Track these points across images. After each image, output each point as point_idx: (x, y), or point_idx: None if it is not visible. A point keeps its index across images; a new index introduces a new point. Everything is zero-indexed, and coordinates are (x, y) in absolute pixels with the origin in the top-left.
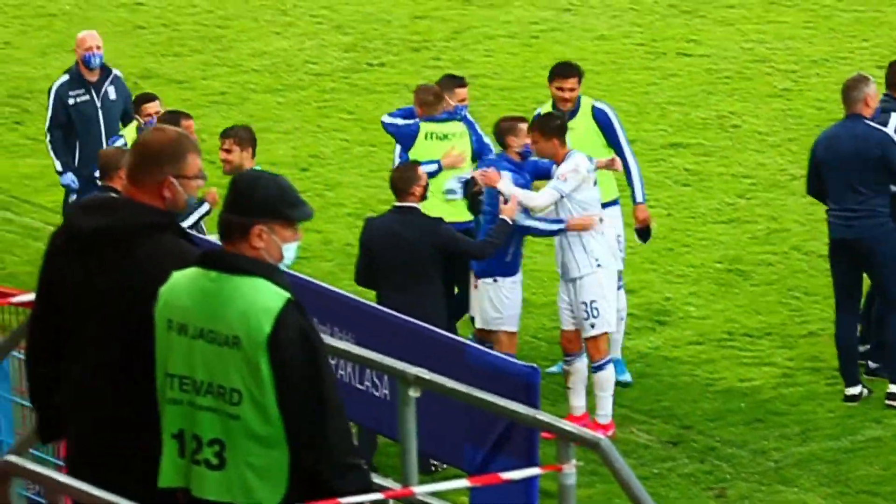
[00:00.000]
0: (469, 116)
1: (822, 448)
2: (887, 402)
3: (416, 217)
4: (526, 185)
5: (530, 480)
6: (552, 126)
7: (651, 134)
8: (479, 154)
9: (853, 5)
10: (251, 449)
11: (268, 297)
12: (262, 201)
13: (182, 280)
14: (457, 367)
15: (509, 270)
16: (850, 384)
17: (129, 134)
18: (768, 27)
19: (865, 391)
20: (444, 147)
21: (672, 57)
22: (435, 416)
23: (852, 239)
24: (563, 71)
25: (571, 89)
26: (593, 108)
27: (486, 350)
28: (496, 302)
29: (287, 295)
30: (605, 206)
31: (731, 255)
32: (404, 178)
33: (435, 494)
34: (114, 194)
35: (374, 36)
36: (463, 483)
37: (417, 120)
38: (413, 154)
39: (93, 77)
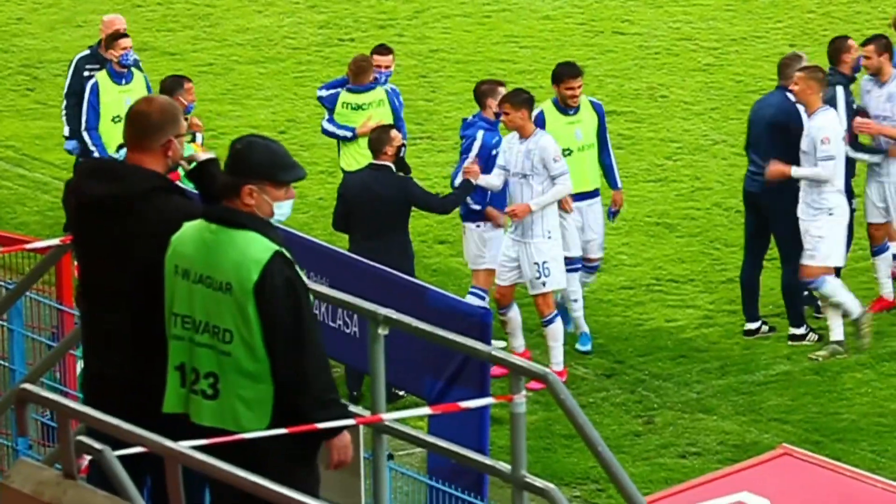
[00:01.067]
0: (394, 87)
1: (738, 381)
2: (789, 342)
3: (388, 174)
4: (499, 142)
5: (483, 409)
6: (521, 98)
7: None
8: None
9: None
10: (241, 382)
11: (258, 249)
12: (254, 164)
13: (188, 230)
14: (419, 307)
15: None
16: (749, 320)
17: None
18: (693, 9)
19: (765, 327)
20: (359, 116)
21: (608, 35)
22: (399, 351)
23: (757, 193)
24: (572, 72)
25: (580, 87)
26: (591, 101)
27: (444, 292)
28: (479, 243)
29: (275, 247)
30: (586, 196)
31: (659, 210)
32: (379, 139)
33: (400, 420)
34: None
35: (345, 14)
36: (425, 410)
37: (339, 90)
38: (337, 120)
39: (117, 66)
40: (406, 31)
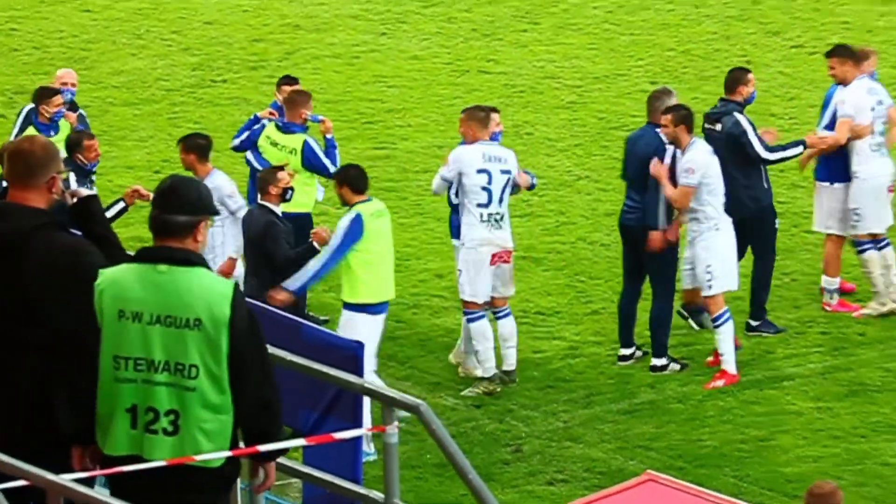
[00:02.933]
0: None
1: (604, 410)
2: (651, 372)
3: (262, 214)
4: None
5: (356, 439)
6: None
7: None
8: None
9: (630, 29)
10: (203, 416)
11: (220, 284)
12: (206, 201)
13: (126, 274)
14: (294, 342)
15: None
16: (623, 346)
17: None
18: (557, 48)
19: (639, 353)
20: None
21: (474, 74)
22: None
23: (632, 226)
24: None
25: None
26: None
27: (319, 328)
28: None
29: (233, 282)
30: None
31: (525, 244)
32: (265, 179)
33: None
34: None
35: (218, 56)
36: (300, 442)
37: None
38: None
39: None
40: (277, 73)
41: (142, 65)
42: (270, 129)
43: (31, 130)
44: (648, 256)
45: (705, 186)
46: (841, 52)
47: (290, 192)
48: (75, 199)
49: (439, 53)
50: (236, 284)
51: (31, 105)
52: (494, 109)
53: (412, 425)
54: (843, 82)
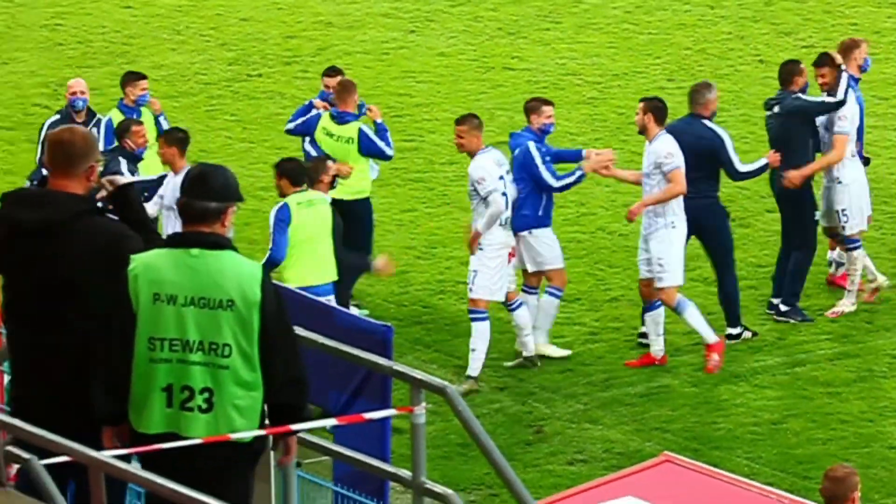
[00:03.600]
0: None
1: (622, 393)
2: (725, 340)
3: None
4: (548, 153)
5: (385, 419)
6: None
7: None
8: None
9: (648, 29)
10: (237, 393)
11: (250, 267)
12: (234, 187)
13: (159, 259)
14: (326, 326)
15: (541, 223)
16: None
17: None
18: (578, 46)
19: (747, 333)
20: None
21: (499, 71)
22: (308, 366)
23: (691, 211)
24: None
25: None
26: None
27: (349, 312)
28: (538, 248)
29: (260, 263)
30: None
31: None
32: (315, 169)
33: (308, 431)
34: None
35: (253, 52)
36: (331, 421)
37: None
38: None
39: (79, 119)
40: (310, 68)
41: (181, 59)
42: (326, 121)
43: (115, 113)
44: (704, 238)
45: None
46: (829, 62)
47: (336, 178)
48: (112, 187)
49: (465, 50)
50: (264, 266)
51: (52, 119)
52: (546, 102)
53: (439, 406)
54: (832, 89)
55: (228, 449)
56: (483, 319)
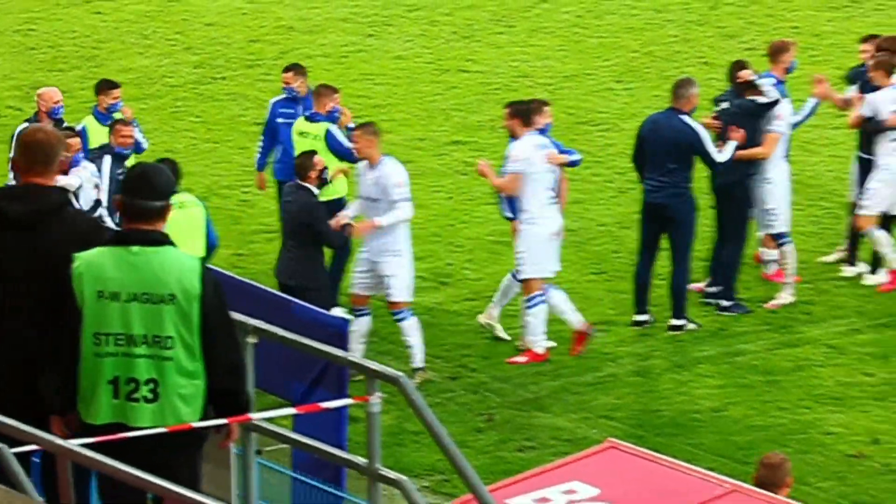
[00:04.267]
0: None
1: (569, 382)
2: (669, 331)
3: (305, 194)
4: (557, 147)
5: (342, 409)
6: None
7: (437, 133)
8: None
9: (597, 32)
10: (180, 382)
11: (189, 261)
12: (173, 185)
13: (103, 258)
14: (286, 319)
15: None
16: (638, 313)
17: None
18: (530, 49)
19: (651, 318)
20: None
21: (454, 73)
22: (267, 358)
23: (658, 203)
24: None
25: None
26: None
27: (308, 305)
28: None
29: (198, 257)
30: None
31: (499, 229)
32: (304, 165)
33: (267, 419)
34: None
35: (217, 56)
36: (290, 411)
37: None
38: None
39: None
40: (272, 71)
41: (148, 63)
42: (300, 123)
43: (90, 120)
44: (671, 228)
45: (528, 177)
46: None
47: (325, 170)
48: None
49: (422, 54)
50: (202, 259)
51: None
52: (545, 103)
53: (393, 395)
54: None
55: (175, 436)
56: (407, 318)
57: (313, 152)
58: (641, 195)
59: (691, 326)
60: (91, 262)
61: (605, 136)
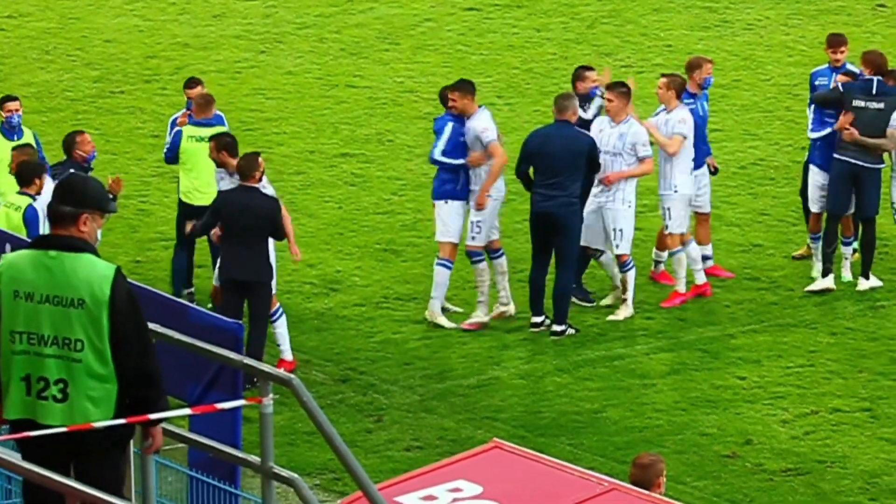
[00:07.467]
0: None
1: (455, 385)
2: (551, 336)
3: (261, 193)
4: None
5: (236, 409)
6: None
7: (326, 146)
8: None
9: (479, 50)
10: (90, 384)
11: (103, 268)
12: (89, 196)
13: (23, 260)
14: (182, 323)
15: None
16: (535, 314)
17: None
18: (415, 66)
19: (546, 320)
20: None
21: (342, 88)
22: (164, 360)
23: (547, 213)
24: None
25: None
26: None
27: (204, 311)
28: (445, 219)
29: (114, 266)
30: None
31: (386, 238)
32: (249, 165)
33: (164, 420)
34: None
35: (116, 70)
36: (186, 411)
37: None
38: None
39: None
40: (168, 85)
41: (49, 77)
42: (191, 130)
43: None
44: (559, 236)
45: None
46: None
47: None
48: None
49: (311, 69)
50: (118, 268)
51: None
52: (589, 68)
53: (286, 397)
54: (668, 105)
55: (87, 437)
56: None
57: (257, 154)
58: (529, 205)
59: (571, 332)
60: (13, 263)
61: None
